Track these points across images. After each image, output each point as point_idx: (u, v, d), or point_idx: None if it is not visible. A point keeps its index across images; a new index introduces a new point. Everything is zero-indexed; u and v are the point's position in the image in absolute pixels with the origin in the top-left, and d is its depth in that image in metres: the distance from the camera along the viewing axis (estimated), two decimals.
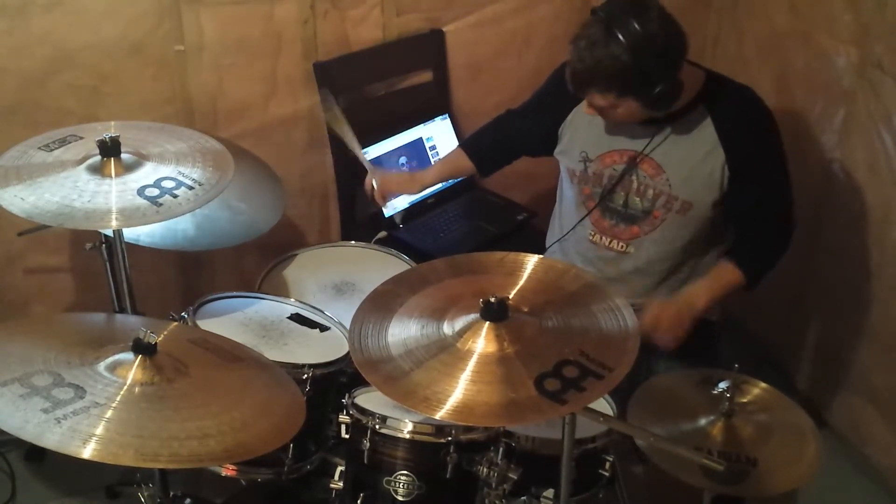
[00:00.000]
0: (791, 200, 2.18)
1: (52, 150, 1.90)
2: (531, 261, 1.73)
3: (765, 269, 2.19)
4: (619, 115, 2.06)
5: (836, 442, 2.62)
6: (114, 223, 1.75)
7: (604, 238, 2.24)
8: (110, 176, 1.82)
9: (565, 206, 2.33)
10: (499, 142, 2.45)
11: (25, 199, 1.75)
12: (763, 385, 1.89)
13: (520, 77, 2.87)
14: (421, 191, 2.53)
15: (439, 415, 1.43)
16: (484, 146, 2.48)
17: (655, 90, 1.96)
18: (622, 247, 2.22)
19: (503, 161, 2.51)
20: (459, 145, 2.59)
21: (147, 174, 1.84)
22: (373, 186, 2.47)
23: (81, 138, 1.94)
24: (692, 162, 2.12)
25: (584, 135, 2.23)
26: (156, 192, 1.80)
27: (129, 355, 1.56)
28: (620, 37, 1.90)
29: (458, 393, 1.45)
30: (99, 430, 1.41)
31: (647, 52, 1.92)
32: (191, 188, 1.83)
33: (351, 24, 2.66)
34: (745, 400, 1.84)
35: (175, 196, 1.80)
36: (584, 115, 2.20)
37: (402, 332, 1.59)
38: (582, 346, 1.51)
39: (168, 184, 1.82)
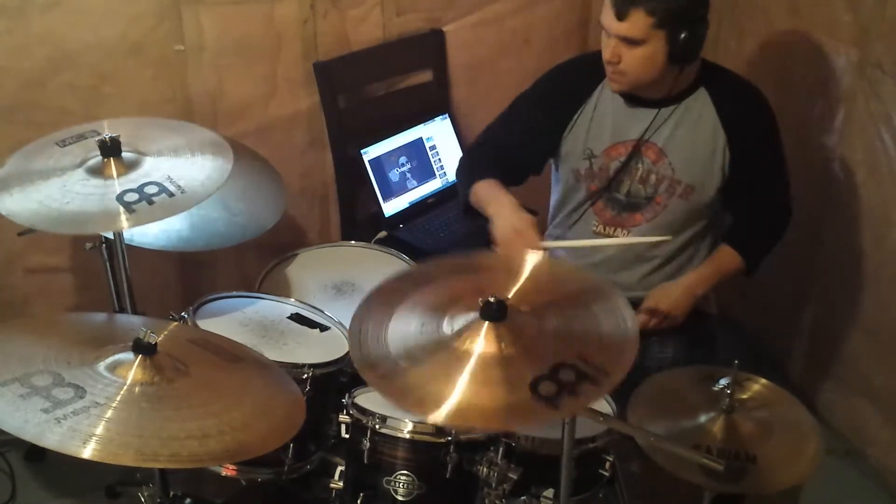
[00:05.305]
0: (788, 187, 2.22)
1: (65, 146, 1.94)
2: (536, 259, 1.71)
3: (763, 255, 2.22)
4: (638, 61, 2.02)
5: (835, 441, 2.62)
6: (118, 225, 1.77)
7: (607, 228, 2.24)
8: (112, 177, 1.83)
9: (566, 207, 2.30)
10: (505, 162, 2.29)
11: (23, 206, 1.79)
12: (763, 381, 1.89)
13: (520, 77, 2.85)
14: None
15: (432, 418, 1.42)
16: (501, 170, 2.26)
17: (687, 34, 1.99)
18: (624, 234, 2.23)
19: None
20: (489, 179, 2.21)
21: (146, 174, 1.86)
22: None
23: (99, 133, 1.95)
24: (694, 144, 2.14)
25: (585, 133, 2.22)
26: (155, 188, 1.82)
27: (129, 355, 1.56)
28: None
29: (454, 396, 1.43)
30: (99, 430, 1.41)
31: None
32: (183, 192, 1.84)
33: (351, 24, 2.66)
34: (745, 396, 1.84)
35: (171, 195, 1.81)
36: (586, 116, 2.20)
37: (403, 328, 1.58)
38: (581, 349, 1.50)
39: (151, 189, 1.83)
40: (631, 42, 2.01)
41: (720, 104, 2.12)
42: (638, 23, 1.99)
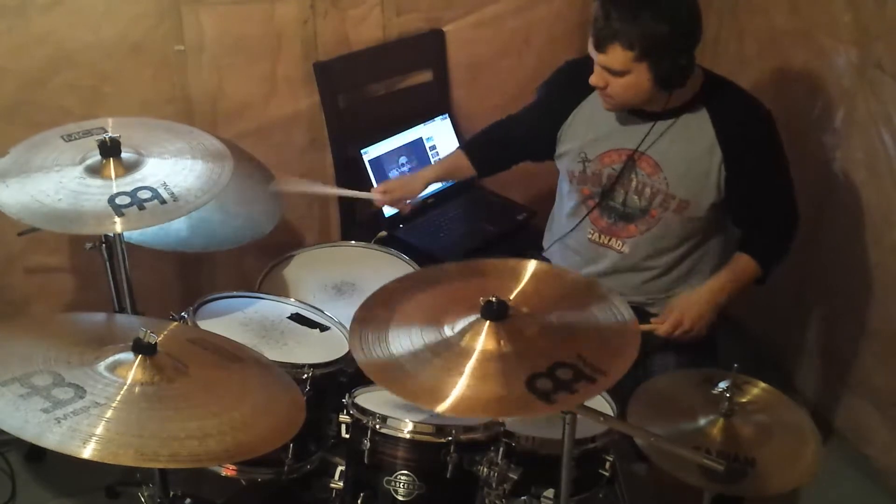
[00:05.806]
0: (793, 194, 2.21)
1: (70, 141, 1.93)
2: (538, 266, 1.72)
3: (778, 260, 2.22)
4: (623, 88, 2.04)
5: (836, 442, 2.62)
6: (118, 227, 1.76)
7: (603, 237, 2.25)
8: (109, 178, 1.83)
9: (565, 208, 2.34)
10: (498, 144, 2.45)
11: (15, 199, 1.77)
12: (763, 384, 1.89)
13: (520, 77, 2.87)
14: (425, 188, 2.50)
15: (440, 408, 1.44)
16: (484, 148, 2.47)
17: (670, 64, 1.98)
18: (619, 245, 2.23)
19: (502, 165, 2.51)
20: (459, 147, 2.58)
21: (142, 178, 1.85)
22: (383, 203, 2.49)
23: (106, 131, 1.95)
24: (689, 160, 2.13)
25: (583, 136, 2.23)
26: (148, 194, 1.81)
27: (129, 355, 1.56)
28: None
29: (456, 390, 1.46)
30: (99, 430, 1.41)
31: (680, 21, 1.97)
32: (176, 200, 1.83)
33: (351, 24, 2.66)
34: (744, 399, 1.84)
35: (164, 202, 1.81)
36: (583, 116, 2.22)
37: (404, 329, 1.58)
38: (580, 349, 1.51)
39: (144, 194, 1.82)
40: (613, 72, 2.02)
41: (719, 122, 2.10)
42: (617, 56, 1.99)
